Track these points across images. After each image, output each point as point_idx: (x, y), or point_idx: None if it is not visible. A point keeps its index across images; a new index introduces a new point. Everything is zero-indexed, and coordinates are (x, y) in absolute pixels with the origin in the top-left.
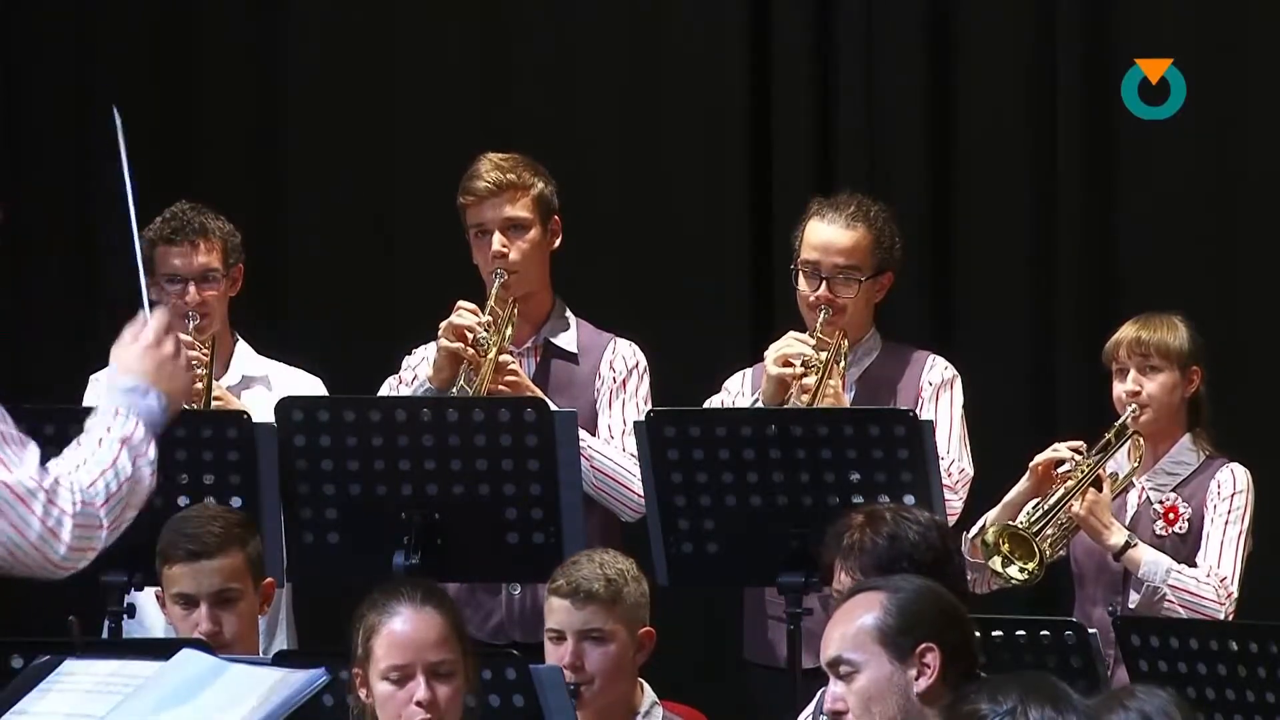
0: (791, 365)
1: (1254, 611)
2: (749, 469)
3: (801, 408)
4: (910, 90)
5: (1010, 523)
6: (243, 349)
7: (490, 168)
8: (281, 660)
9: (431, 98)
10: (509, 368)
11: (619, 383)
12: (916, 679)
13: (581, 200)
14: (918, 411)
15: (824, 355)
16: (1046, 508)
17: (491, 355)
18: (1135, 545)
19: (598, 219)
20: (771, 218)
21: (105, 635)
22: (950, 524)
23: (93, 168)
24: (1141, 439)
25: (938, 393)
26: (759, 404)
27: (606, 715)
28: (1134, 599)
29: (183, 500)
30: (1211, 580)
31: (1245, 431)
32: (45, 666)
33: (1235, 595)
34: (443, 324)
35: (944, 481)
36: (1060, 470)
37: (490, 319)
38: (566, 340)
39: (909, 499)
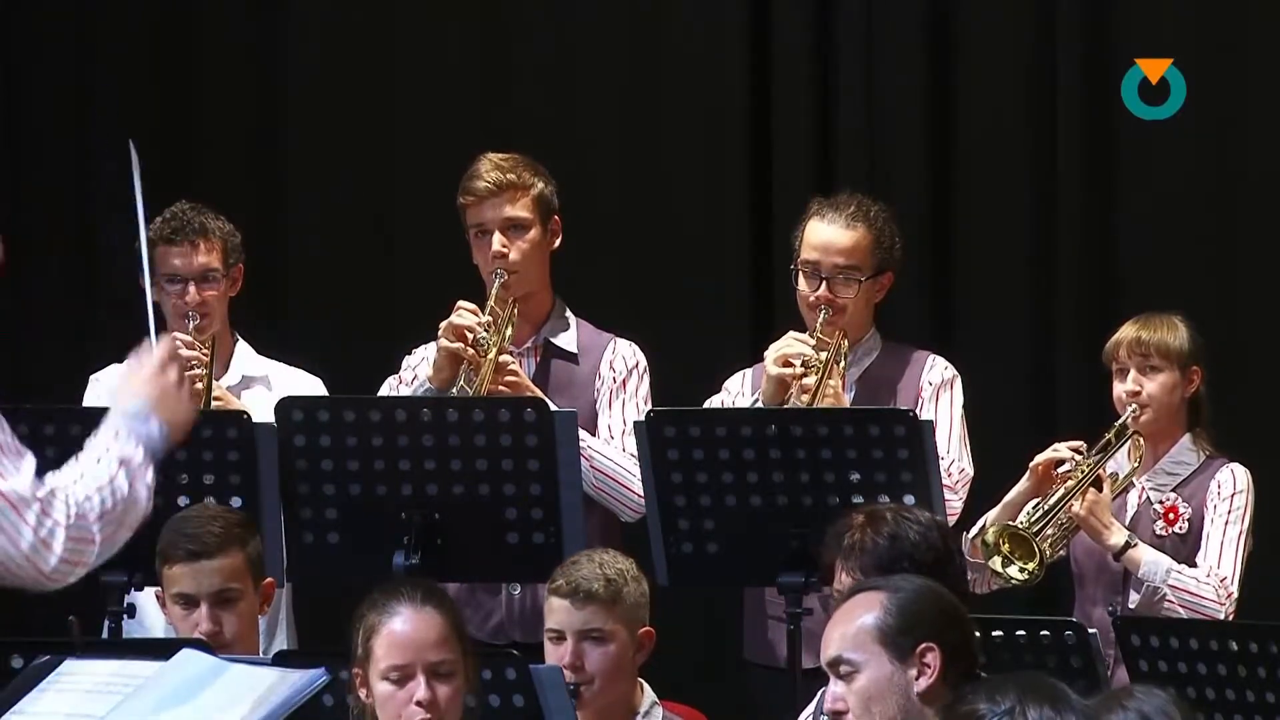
0: (791, 365)
1: (1254, 611)
2: (749, 469)
3: (801, 408)
4: (910, 90)
5: (1010, 523)
6: (243, 349)
7: (490, 168)
8: (281, 660)
9: (431, 98)
10: (509, 368)
11: (619, 383)
12: (917, 679)
13: (581, 200)
14: (918, 411)
15: (824, 355)
16: (1047, 508)
17: (491, 355)
18: (1135, 545)
19: (598, 219)
20: (771, 218)
21: (105, 635)
22: (950, 524)
23: (93, 168)
24: (1141, 439)
25: (938, 393)
26: (759, 404)
27: (606, 715)
28: (1134, 599)
29: (183, 500)
30: (1211, 580)
31: (1245, 431)
32: (45, 666)
33: (1235, 595)
34: (443, 324)
35: (944, 481)
36: (1060, 470)
37: (490, 319)
38: (566, 340)
39: (909, 499)
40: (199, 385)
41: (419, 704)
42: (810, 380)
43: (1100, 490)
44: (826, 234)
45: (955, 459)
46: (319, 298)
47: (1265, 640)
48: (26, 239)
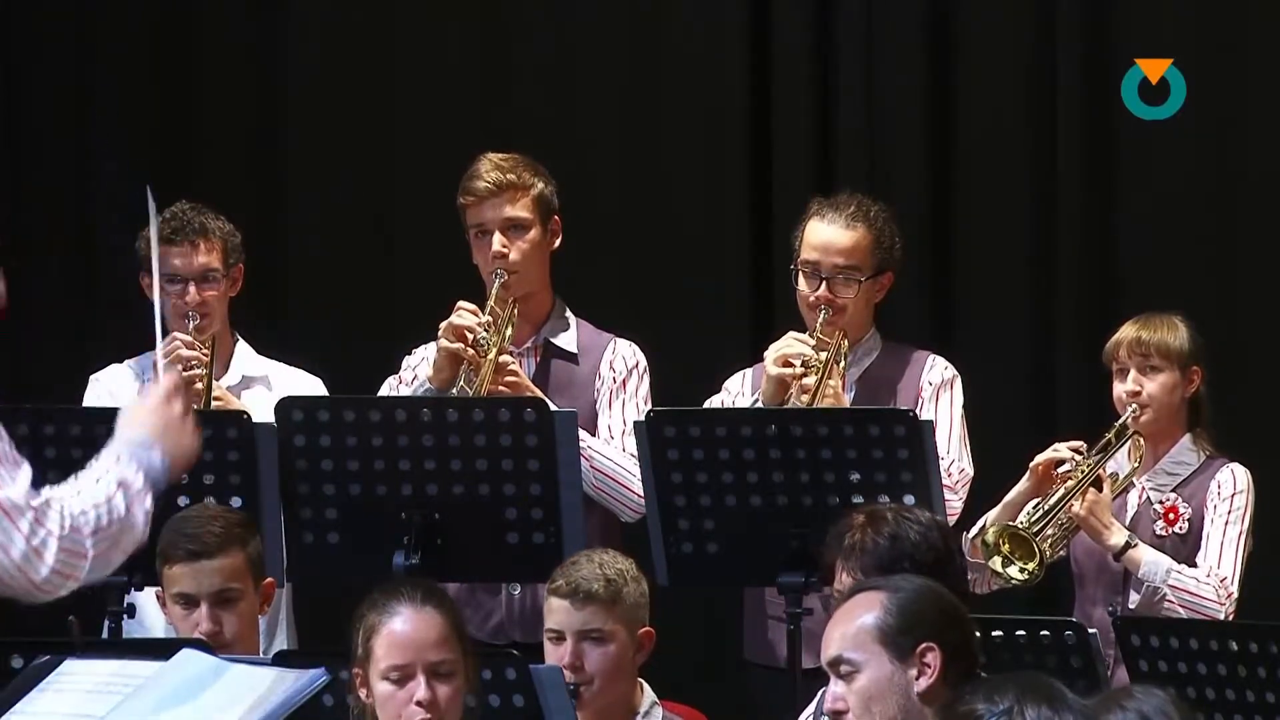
0: (791, 365)
1: (1254, 611)
2: (749, 469)
3: (801, 408)
4: (910, 90)
5: (1010, 523)
6: (243, 349)
7: (490, 168)
8: (281, 660)
9: (431, 98)
10: (509, 368)
11: (619, 383)
12: (917, 679)
13: (581, 200)
14: (918, 411)
15: (824, 355)
16: (1047, 508)
17: (491, 355)
18: (1135, 545)
19: (598, 219)
20: (771, 218)
21: (105, 635)
22: (950, 524)
23: (93, 168)
24: (1142, 439)
25: (938, 393)
26: (759, 404)
27: (606, 715)
28: (1134, 599)
29: (183, 500)
30: (1211, 580)
31: (1245, 431)
32: (45, 666)
33: (1235, 595)
34: (443, 324)
35: (944, 481)
36: (1060, 470)
37: (490, 319)
38: (566, 340)
39: (909, 499)
40: (199, 385)
41: (419, 704)
42: (810, 380)
43: (1100, 490)
44: (826, 234)
45: (955, 459)
46: (319, 298)
47: (1265, 640)
48: (26, 239)
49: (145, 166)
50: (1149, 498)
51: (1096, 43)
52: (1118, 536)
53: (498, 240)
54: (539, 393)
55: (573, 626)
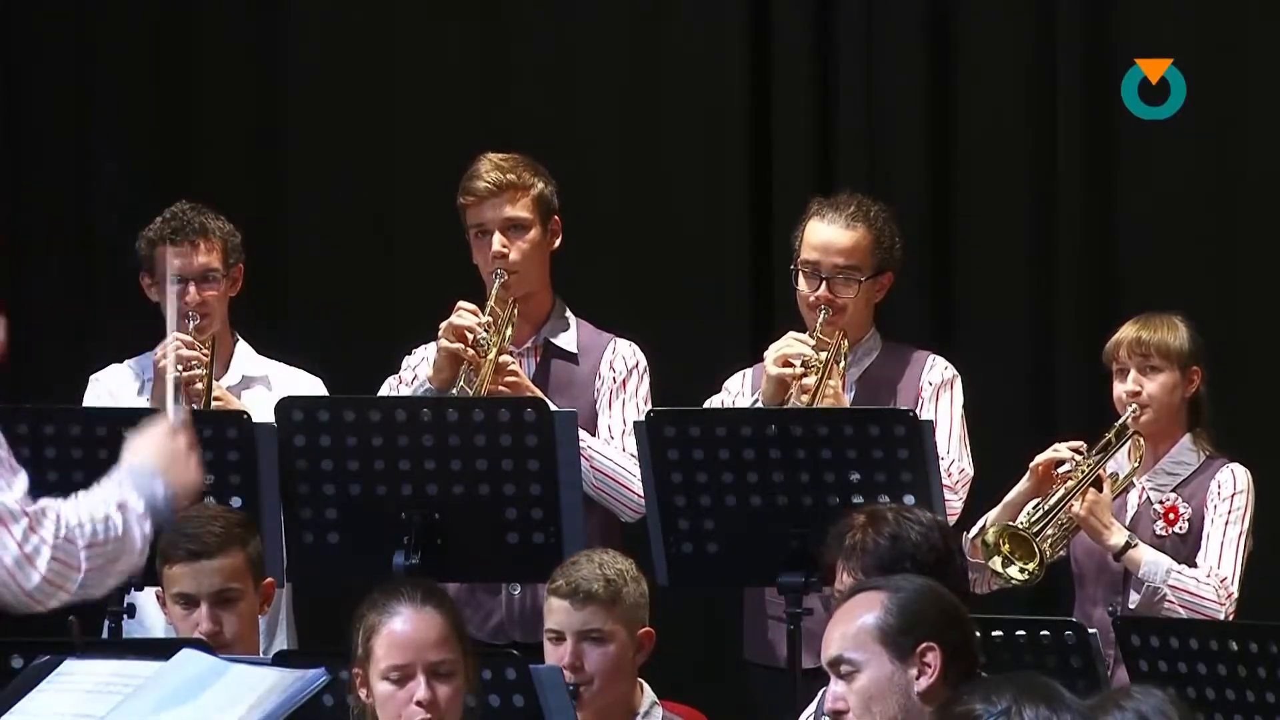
0: (791, 365)
1: (1254, 611)
2: (749, 469)
3: (801, 408)
4: (910, 90)
5: (1010, 523)
6: (243, 349)
7: (490, 168)
8: (281, 660)
9: (431, 98)
10: (509, 368)
11: (619, 383)
12: (917, 678)
13: (581, 200)
14: (918, 411)
15: (824, 355)
16: (1047, 508)
17: (491, 355)
18: (1135, 545)
19: (598, 219)
20: (771, 218)
21: (105, 635)
22: (950, 524)
23: (93, 168)
24: (1142, 439)
25: (938, 393)
26: (759, 404)
27: (606, 715)
28: (1134, 599)
29: None
30: (1211, 580)
31: (1245, 431)
32: (45, 666)
33: (1235, 595)
34: (443, 324)
35: (944, 481)
36: (1060, 470)
37: (490, 319)
38: (566, 340)
39: (909, 499)
40: (199, 385)
41: (419, 704)
42: (810, 380)
43: (1100, 490)
44: (826, 234)
45: (955, 459)
46: (319, 298)
47: (1265, 640)
48: (26, 239)
49: (145, 166)
50: (1149, 498)
51: (1096, 43)
52: (1118, 536)
53: (498, 240)
54: (539, 393)
55: (573, 626)
